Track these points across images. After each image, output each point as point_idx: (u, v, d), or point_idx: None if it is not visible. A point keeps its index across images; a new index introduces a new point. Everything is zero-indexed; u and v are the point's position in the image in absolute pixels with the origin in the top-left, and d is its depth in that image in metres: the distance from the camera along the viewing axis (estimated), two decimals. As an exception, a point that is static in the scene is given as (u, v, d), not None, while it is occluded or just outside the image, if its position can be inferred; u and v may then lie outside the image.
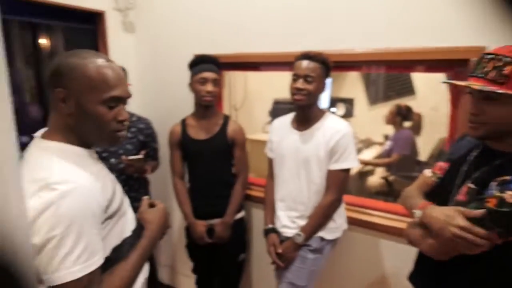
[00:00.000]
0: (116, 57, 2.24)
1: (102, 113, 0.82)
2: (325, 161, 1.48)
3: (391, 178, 3.15)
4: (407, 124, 3.23)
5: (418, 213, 1.01)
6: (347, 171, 1.50)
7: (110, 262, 0.84)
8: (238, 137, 1.85)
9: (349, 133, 1.48)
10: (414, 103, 3.46)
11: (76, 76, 0.79)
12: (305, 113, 1.52)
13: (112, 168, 1.83)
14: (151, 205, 1.06)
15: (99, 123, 0.82)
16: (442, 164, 1.12)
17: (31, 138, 0.85)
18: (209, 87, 1.72)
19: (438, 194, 1.07)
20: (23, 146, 0.83)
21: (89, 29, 2.23)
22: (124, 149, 1.86)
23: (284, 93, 3.01)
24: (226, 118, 1.88)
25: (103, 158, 1.82)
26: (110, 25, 2.20)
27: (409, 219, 1.10)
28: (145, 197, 1.09)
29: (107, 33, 2.20)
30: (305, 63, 1.44)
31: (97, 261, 0.77)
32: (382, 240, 1.67)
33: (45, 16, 2.09)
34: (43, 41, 2.24)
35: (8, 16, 2.01)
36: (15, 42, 2.14)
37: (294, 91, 1.46)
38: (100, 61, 0.82)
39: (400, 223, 1.60)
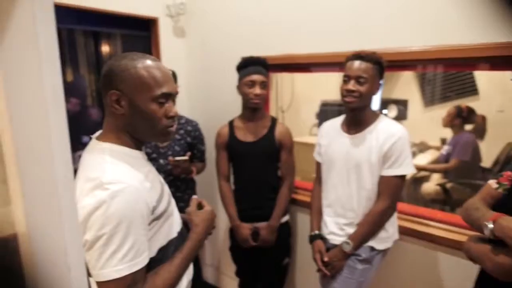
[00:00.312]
0: (167, 61, 2.34)
1: (154, 110, 0.85)
2: (377, 167, 1.40)
3: (448, 185, 2.92)
4: (468, 127, 2.98)
5: (490, 225, 0.90)
6: (401, 177, 1.40)
7: (156, 262, 0.86)
8: (285, 140, 1.82)
9: (405, 137, 1.38)
10: (477, 104, 3.17)
11: (128, 77, 0.83)
12: (356, 116, 1.46)
13: (160, 169, 1.90)
14: (199, 206, 1.08)
15: (151, 120, 0.85)
16: (511, 174, 1.00)
17: (90, 139, 0.91)
18: (257, 90, 1.71)
19: (506, 207, 0.95)
20: (85, 146, 0.90)
21: (144, 35, 2.37)
22: (173, 150, 1.93)
23: (332, 95, 2.95)
24: (274, 121, 1.86)
25: (152, 159, 1.90)
26: (162, 31, 2.30)
27: (471, 232, 1.00)
28: (195, 197, 1.10)
29: (160, 39, 2.30)
30: (357, 63, 1.37)
31: (142, 261, 0.79)
32: (438, 253, 1.54)
33: (106, 25, 2.25)
34: (104, 48, 2.41)
35: (74, 26, 2.19)
36: (79, 50, 2.33)
37: (345, 92, 1.40)
38: (148, 61, 0.85)
39: (458, 235, 1.47)
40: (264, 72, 1.75)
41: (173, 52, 2.39)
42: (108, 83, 0.84)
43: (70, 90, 2.29)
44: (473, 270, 1.07)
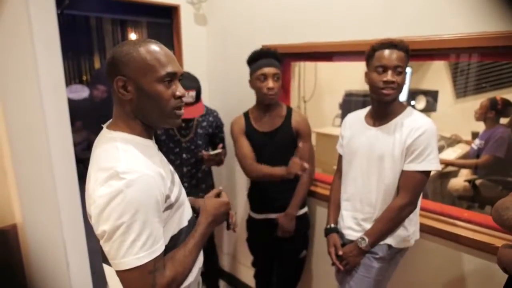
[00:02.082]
0: (188, 49, 2.33)
1: (161, 91, 0.84)
2: (399, 161, 1.33)
3: (478, 181, 2.77)
4: (503, 120, 2.80)
5: None
6: (424, 173, 1.32)
7: (168, 250, 0.87)
8: (302, 128, 1.77)
9: (431, 130, 1.30)
10: (514, 96, 2.97)
11: (131, 60, 0.82)
12: (386, 108, 1.38)
13: (184, 163, 1.91)
14: (218, 196, 1.08)
15: (159, 102, 0.85)
16: None
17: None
18: (270, 83, 1.65)
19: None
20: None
21: (168, 23, 2.37)
22: (195, 145, 1.93)
23: (357, 85, 2.84)
24: (290, 110, 1.81)
25: (175, 154, 1.91)
26: (184, 18, 2.28)
27: (500, 234, 0.92)
28: (220, 187, 1.11)
29: (181, 26, 2.28)
30: (392, 52, 1.29)
31: (159, 247, 0.80)
32: (464, 254, 1.46)
33: (133, 13, 2.27)
34: (131, 36, 2.43)
35: (102, 15, 2.22)
36: (107, 38, 2.36)
37: (382, 84, 1.30)
38: (150, 44, 0.85)
39: (487, 237, 1.39)
40: (276, 64, 1.69)
41: (194, 40, 2.36)
42: (112, 70, 0.84)
43: (98, 77, 2.32)
44: (502, 275, 1.00)
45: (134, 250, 0.75)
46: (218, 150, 1.82)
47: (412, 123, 1.32)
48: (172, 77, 0.86)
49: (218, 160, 1.90)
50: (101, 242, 0.78)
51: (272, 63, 1.67)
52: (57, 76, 0.37)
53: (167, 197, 0.85)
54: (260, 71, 1.66)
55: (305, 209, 1.85)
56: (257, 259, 2.02)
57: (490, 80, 3.65)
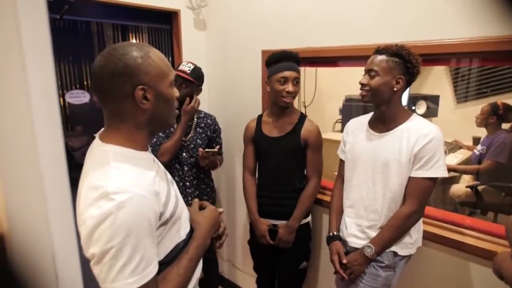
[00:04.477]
0: (188, 54, 2.33)
1: (174, 94, 0.87)
2: (406, 168, 1.31)
3: (480, 187, 2.75)
4: (505, 126, 2.79)
5: None
6: (432, 180, 1.30)
7: (164, 265, 0.83)
8: (311, 138, 1.72)
9: (439, 138, 1.28)
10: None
11: (148, 68, 0.80)
12: (382, 113, 1.37)
13: (183, 162, 1.90)
14: (201, 208, 1.06)
15: (172, 105, 0.87)
16: None
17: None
18: (290, 87, 1.63)
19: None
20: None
21: (168, 29, 2.38)
22: (195, 144, 1.92)
23: (357, 90, 2.83)
24: (303, 117, 1.77)
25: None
26: (183, 23, 2.28)
27: (504, 242, 0.90)
28: (195, 200, 1.08)
29: (181, 31, 2.28)
30: (372, 57, 1.33)
31: (152, 271, 0.76)
32: (467, 262, 1.44)
33: (134, 18, 2.28)
34: (132, 41, 2.44)
35: (102, 20, 2.23)
36: (108, 43, 2.36)
37: (360, 86, 1.36)
38: (152, 49, 0.84)
39: (490, 244, 1.37)
40: (296, 68, 1.67)
41: (194, 45, 2.36)
42: (128, 81, 0.77)
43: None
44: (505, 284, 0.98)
45: (124, 275, 0.71)
46: (214, 150, 1.79)
47: (419, 130, 1.30)
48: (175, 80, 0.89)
49: (213, 161, 1.86)
50: (91, 264, 0.75)
51: (293, 67, 1.65)
52: (48, 80, 0.36)
53: (161, 214, 0.81)
54: (281, 74, 1.63)
55: (308, 219, 1.81)
56: (257, 264, 1.99)
57: (491, 85, 3.65)
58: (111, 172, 0.75)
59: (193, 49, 2.36)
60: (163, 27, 2.40)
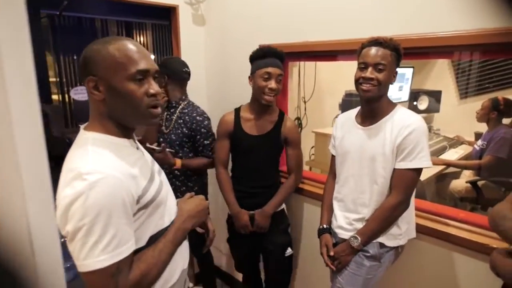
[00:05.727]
0: (187, 50, 2.34)
1: (132, 89, 0.82)
2: (391, 160, 1.32)
3: (480, 183, 2.73)
4: (506, 121, 2.76)
5: None
6: (416, 171, 1.31)
7: None
8: (291, 135, 1.77)
9: (421, 128, 1.29)
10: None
11: (100, 59, 0.81)
12: (372, 107, 1.38)
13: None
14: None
15: (132, 101, 0.83)
16: None
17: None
18: (273, 83, 1.63)
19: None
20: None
21: (167, 24, 2.39)
22: (170, 139, 1.90)
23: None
24: (282, 115, 1.80)
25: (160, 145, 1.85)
26: (182, 19, 2.29)
27: (496, 235, 0.90)
28: (188, 193, 1.10)
29: (179, 27, 2.29)
30: (375, 49, 1.30)
31: (126, 250, 0.78)
32: (459, 255, 1.44)
33: (137, 15, 2.29)
34: (136, 38, 2.46)
35: (107, 17, 2.25)
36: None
37: (361, 80, 1.32)
38: (120, 41, 0.84)
39: (483, 238, 1.36)
40: (281, 65, 1.67)
41: (192, 41, 2.38)
42: (84, 71, 0.83)
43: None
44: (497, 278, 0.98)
45: (96, 253, 0.74)
46: (154, 146, 1.73)
47: (401, 121, 1.31)
48: (144, 74, 0.84)
49: (161, 159, 1.72)
50: (67, 242, 0.78)
51: (278, 64, 1.66)
52: (27, 74, 0.37)
53: (140, 197, 0.83)
54: (265, 69, 1.63)
55: (282, 206, 1.85)
56: (240, 261, 2.01)
57: (494, 80, 3.60)
58: (88, 155, 0.79)
59: (192, 45, 2.37)
60: (164, 23, 2.41)
